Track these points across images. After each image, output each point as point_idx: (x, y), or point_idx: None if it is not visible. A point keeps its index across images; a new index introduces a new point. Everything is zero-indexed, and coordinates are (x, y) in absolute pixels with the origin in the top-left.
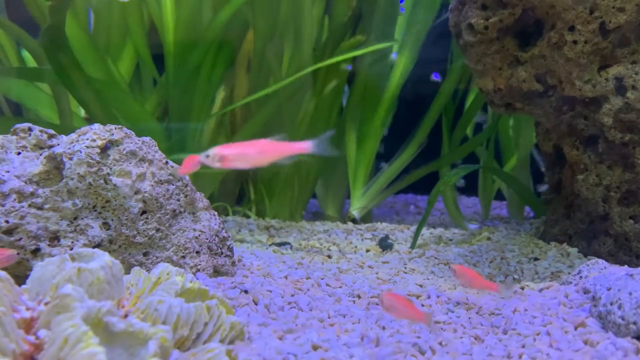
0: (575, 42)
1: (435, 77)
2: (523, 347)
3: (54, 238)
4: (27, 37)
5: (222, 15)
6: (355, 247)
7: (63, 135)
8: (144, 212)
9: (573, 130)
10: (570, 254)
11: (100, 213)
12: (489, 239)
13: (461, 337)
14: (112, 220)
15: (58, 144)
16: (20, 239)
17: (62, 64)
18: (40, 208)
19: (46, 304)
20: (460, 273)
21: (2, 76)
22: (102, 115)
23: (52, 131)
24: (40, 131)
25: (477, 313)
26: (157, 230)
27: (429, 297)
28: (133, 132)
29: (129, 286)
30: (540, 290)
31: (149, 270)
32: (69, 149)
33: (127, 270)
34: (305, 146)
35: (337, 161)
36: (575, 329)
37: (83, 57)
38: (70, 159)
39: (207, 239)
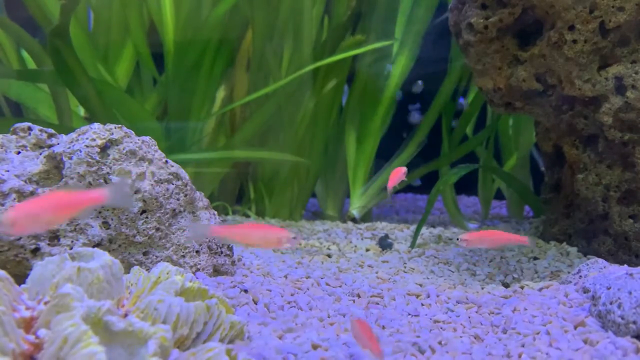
0: (575, 41)
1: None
2: (523, 346)
3: (54, 237)
4: (26, 37)
5: (219, 9)
6: (355, 246)
7: (63, 135)
8: (143, 212)
9: (573, 130)
10: (570, 253)
11: (100, 212)
12: None
13: (461, 337)
14: (112, 219)
15: (58, 144)
16: (20, 238)
17: (65, 63)
18: None
19: (46, 303)
20: (473, 239)
21: (1, 78)
22: (102, 114)
23: (51, 130)
24: (40, 130)
25: (476, 312)
26: (157, 229)
27: (428, 297)
28: (133, 132)
29: (129, 285)
30: (540, 289)
31: (149, 270)
32: (69, 148)
33: (127, 270)
34: (99, 195)
35: (337, 160)
36: (575, 328)
37: (82, 57)
38: (70, 158)
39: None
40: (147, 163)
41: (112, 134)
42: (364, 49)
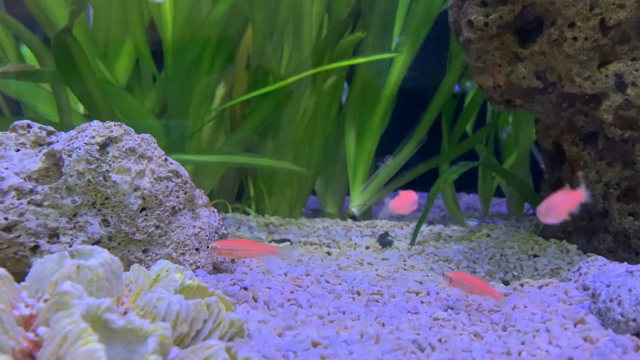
0: (575, 38)
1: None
2: (523, 344)
3: (53, 235)
4: (27, 33)
5: (219, 8)
6: (355, 244)
7: (62, 132)
8: (143, 209)
9: (573, 127)
10: (570, 250)
11: (99, 210)
12: (488, 235)
13: (461, 334)
14: (112, 217)
15: (57, 141)
16: (19, 236)
17: (67, 60)
18: (39, 205)
19: (45, 301)
20: (456, 280)
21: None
22: (101, 111)
23: (51, 128)
24: (39, 128)
25: (476, 310)
26: (157, 227)
27: (428, 294)
28: (132, 129)
29: (128, 283)
30: (540, 287)
31: (149, 267)
32: (68, 145)
33: (127, 267)
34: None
35: (337, 158)
36: (575, 325)
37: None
38: (69, 155)
39: (206, 236)
40: (146, 161)
41: (112, 131)
42: (368, 58)
